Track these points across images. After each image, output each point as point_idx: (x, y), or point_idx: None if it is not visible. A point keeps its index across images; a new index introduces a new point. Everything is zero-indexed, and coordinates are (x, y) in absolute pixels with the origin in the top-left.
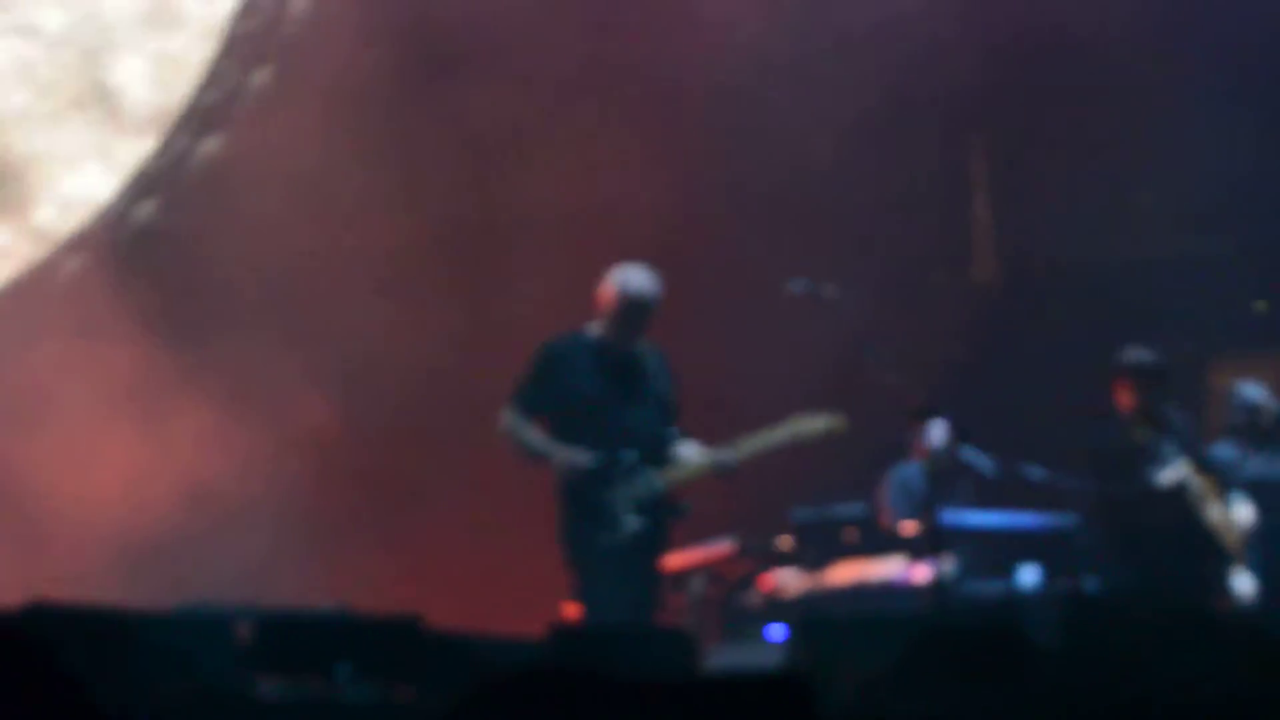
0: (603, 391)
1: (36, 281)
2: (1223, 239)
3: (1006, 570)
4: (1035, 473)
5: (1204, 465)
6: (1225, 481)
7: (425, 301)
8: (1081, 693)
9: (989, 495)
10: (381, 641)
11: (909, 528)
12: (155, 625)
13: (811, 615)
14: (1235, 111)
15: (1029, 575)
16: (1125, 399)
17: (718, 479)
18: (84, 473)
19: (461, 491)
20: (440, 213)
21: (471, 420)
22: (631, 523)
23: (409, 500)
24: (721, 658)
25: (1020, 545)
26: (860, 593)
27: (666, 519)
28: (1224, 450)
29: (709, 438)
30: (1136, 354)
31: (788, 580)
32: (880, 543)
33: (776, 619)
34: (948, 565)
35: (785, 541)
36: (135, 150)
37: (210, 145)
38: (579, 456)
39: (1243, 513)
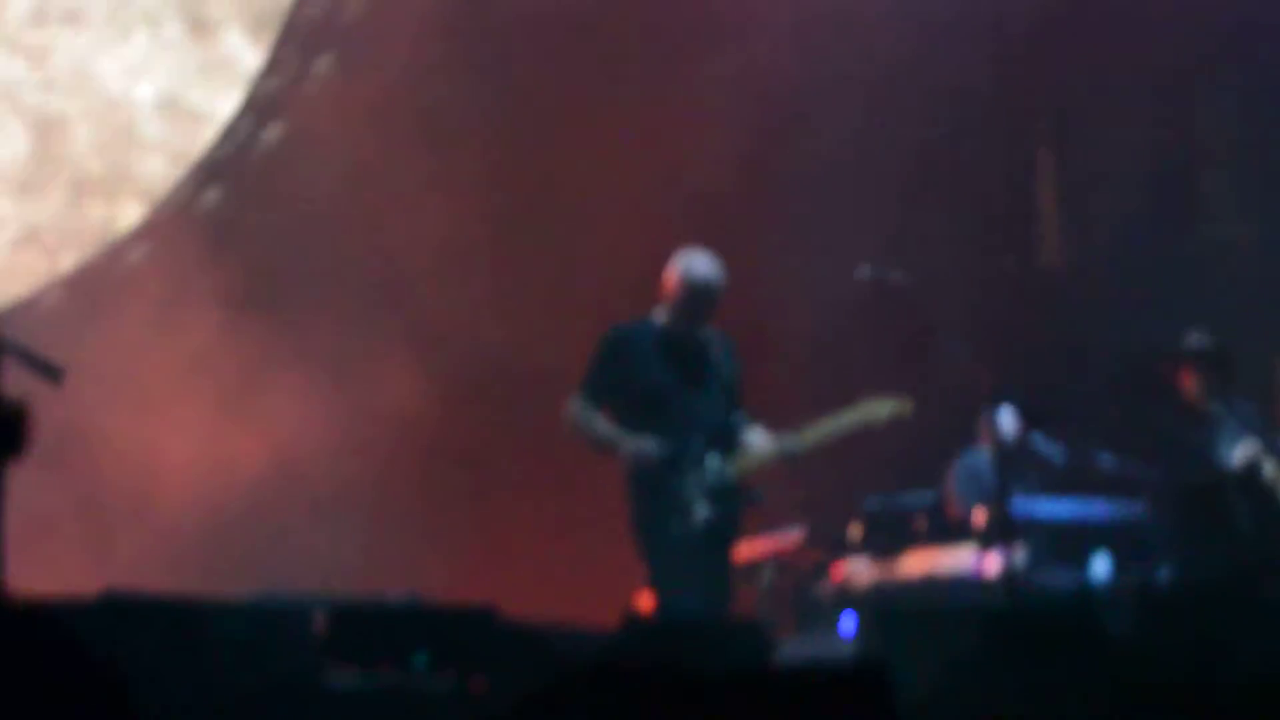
0: (668, 378)
1: (103, 269)
2: None
3: (1078, 560)
4: (1105, 460)
5: (1273, 450)
6: None
7: (502, 283)
8: (1154, 683)
9: (1058, 483)
10: (457, 632)
11: (980, 517)
12: (230, 616)
13: (883, 607)
14: None
15: (1101, 565)
16: (1189, 384)
17: (785, 466)
18: (163, 453)
19: (538, 478)
20: (503, 194)
21: (547, 406)
22: (702, 510)
23: (486, 485)
24: (794, 651)
25: (1091, 534)
26: (931, 584)
27: (738, 506)
28: None
29: (775, 424)
30: (1199, 339)
31: (858, 570)
32: (951, 531)
33: (848, 610)
34: (1018, 555)
35: (855, 530)
36: None
37: (273, 132)
38: (647, 444)
39: None
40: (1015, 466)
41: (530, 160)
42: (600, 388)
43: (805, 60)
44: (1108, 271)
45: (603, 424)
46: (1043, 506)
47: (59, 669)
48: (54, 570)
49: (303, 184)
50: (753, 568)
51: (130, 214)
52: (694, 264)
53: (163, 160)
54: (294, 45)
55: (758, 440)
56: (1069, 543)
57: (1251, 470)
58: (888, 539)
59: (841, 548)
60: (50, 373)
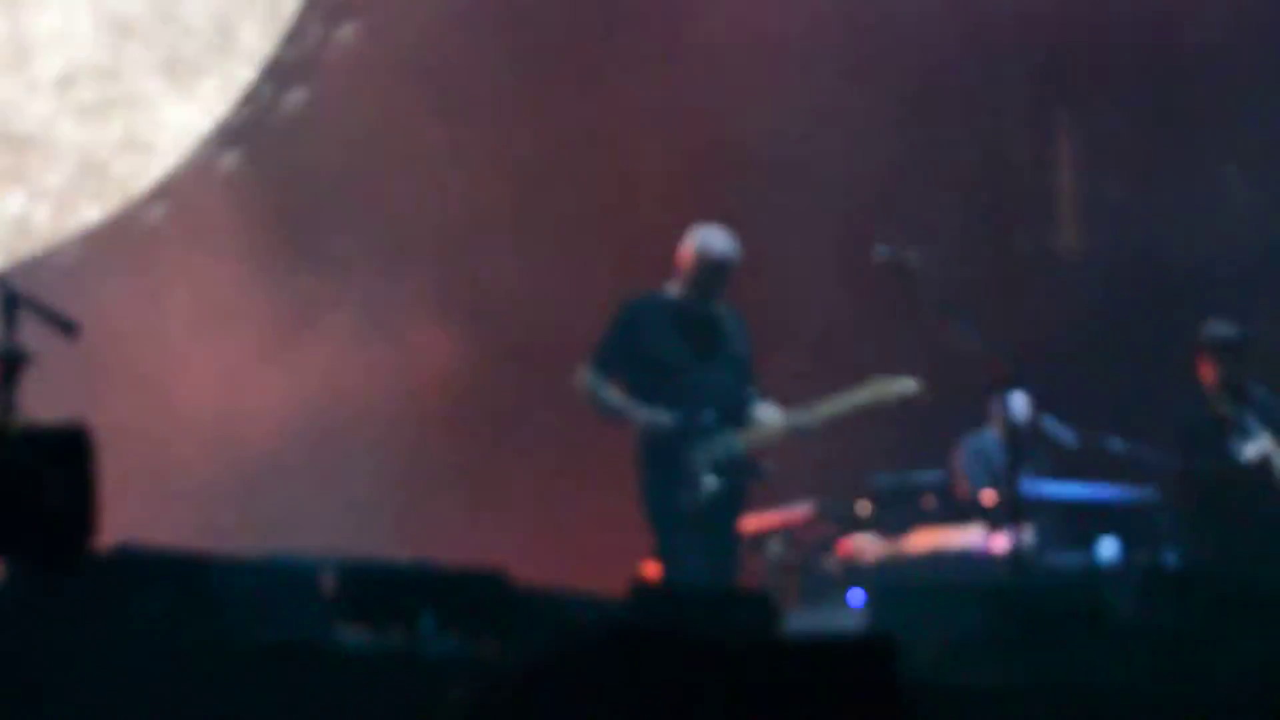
0: (681, 351)
1: (121, 228)
2: None
3: (1085, 542)
4: (1116, 445)
5: None
6: None
7: (529, 246)
8: (1159, 665)
9: (1068, 466)
10: (465, 594)
11: (989, 496)
12: (240, 573)
13: (890, 582)
14: None
15: (1108, 548)
16: (1208, 373)
17: (796, 441)
18: (181, 404)
19: (552, 443)
20: (529, 159)
21: (564, 371)
22: (711, 483)
23: (500, 450)
24: (800, 622)
25: (1099, 518)
26: (938, 560)
27: (746, 480)
28: None
29: (788, 401)
30: (1220, 328)
31: (866, 546)
32: (959, 511)
33: (854, 584)
34: (1027, 535)
35: (864, 506)
36: None
37: (295, 97)
38: (659, 416)
39: None
40: (1024, 448)
41: (555, 126)
42: (612, 358)
43: (824, 42)
44: (1123, 256)
45: (614, 394)
46: (1051, 488)
47: None
48: None
49: (323, 148)
50: (761, 540)
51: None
52: (710, 239)
53: None
54: (316, 11)
55: (768, 415)
56: (1077, 525)
57: (1262, 466)
58: (896, 517)
59: (850, 523)
60: (66, 327)
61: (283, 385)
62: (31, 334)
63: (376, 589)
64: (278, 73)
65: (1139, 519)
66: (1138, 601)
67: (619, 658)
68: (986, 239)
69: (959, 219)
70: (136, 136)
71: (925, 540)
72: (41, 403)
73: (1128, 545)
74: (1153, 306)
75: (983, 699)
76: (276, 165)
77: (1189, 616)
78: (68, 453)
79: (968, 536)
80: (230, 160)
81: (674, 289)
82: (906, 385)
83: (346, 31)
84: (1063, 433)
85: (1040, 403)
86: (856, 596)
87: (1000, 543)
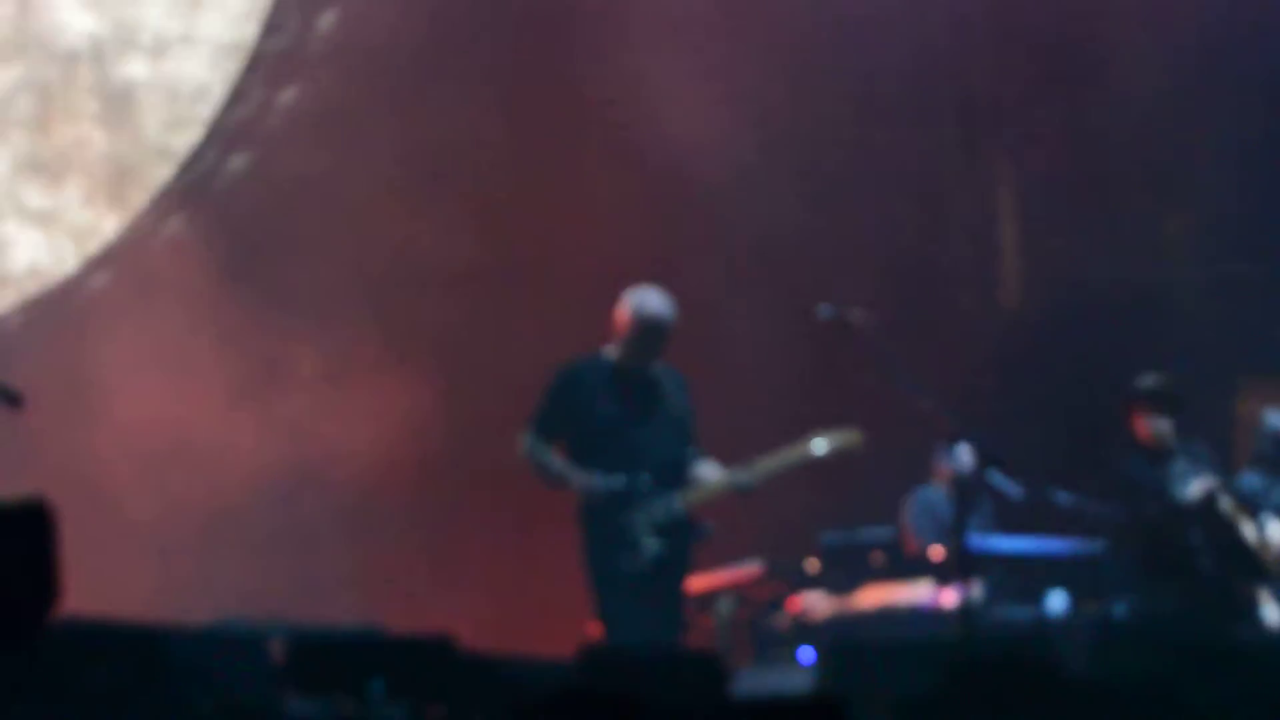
0: (619, 414)
1: (62, 296)
2: (1251, 263)
3: (1034, 596)
4: (1062, 497)
5: (1230, 492)
6: (1254, 508)
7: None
8: (1109, 718)
9: (1015, 520)
10: (413, 661)
11: (937, 552)
12: (188, 642)
13: (840, 640)
14: (1266, 135)
15: (1057, 601)
16: (1142, 427)
17: (740, 499)
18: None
19: (498, 508)
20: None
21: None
22: (652, 545)
23: (443, 513)
24: (750, 681)
25: (1048, 571)
26: (888, 617)
27: (687, 541)
28: (1251, 479)
29: (731, 460)
30: (1151, 380)
31: (815, 603)
32: (908, 567)
33: (804, 642)
34: (976, 590)
35: (813, 564)
36: None
37: (238, 161)
38: (596, 480)
39: (1275, 533)
40: (968, 502)
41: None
42: (551, 423)
43: (774, 88)
44: (1065, 312)
45: (554, 459)
46: (999, 542)
47: None
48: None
49: (269, 210)
50: (710, 599)
51: None
52: (646, 300)
53: None
54: (259, 75)
55: (708, 474)
56: (1026, 578)
57: (1209, 504)
58: (845, 574)
59: (799, 581)
60: (9, 398)
61: (234, 443)
62: None
63: (325, 657)
64: (221, 137)
65: (1087, 571)
66: (1088, 654)
67: None
68: (928, 294)
69: (900, 274)
70: None
71: (875, 597)
72: None
73: (1077, 598)
74: (1094, 357)
75: None
76: (221, 229)
77: (1140, 668)
78: (26, 530)
79: (917, 592)
80: (174, 225)
81: (611, 351)
82: (848, 438)
83: (289, 94)
84: (1009, 486)
85: (985, 457)
86: (807, 654)
87: (949, 598)
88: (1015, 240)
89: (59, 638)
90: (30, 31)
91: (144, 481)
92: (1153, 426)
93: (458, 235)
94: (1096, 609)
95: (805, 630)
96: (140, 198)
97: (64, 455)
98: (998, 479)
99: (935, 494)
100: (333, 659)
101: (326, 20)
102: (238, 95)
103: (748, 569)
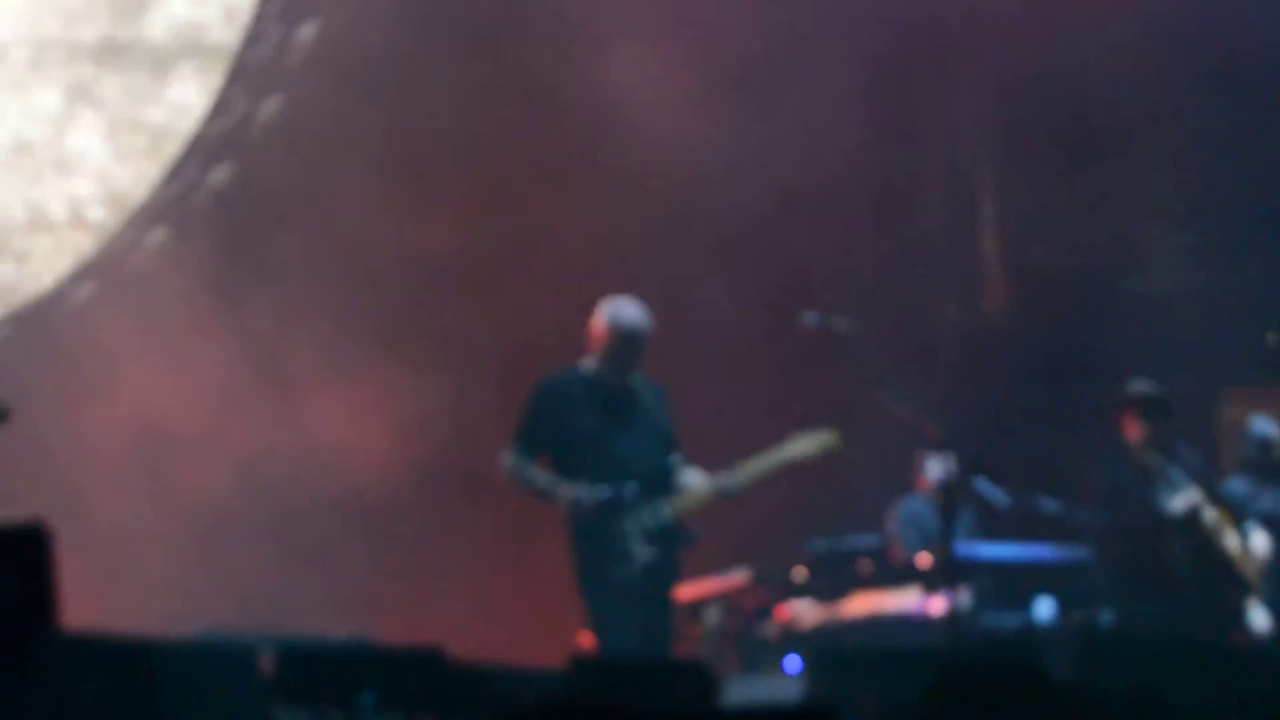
0: (600, 425)
1: (47, 309)
2: (1236, 271)
3: (1021, 603)
4: (1048, 505)
5: (1216, 497)
6: (1239, 514)
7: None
8: None
9: (1001, 528)
10: (403, 672)
11: (925, 560)
12: (177, 655)
13: (828, 648)
14: (1248, 144)
15: (1044, 608)
16: (1132, 431)
17: (725, 507)
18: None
19: (488, 519)
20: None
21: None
22: (642, 553)
23: (437, 524)
24: (739, 690)
25: (1035, 578)
26: (876, 624)
27: (676, 548)
28: (1237, 485)
29: (714, 468)
30: (1140, 386)
31: (803, 611)
32: (895, 574)
33: (792, 650)
34: (963, 598)
35: (800, 572)
36: None
37: (270, 105)
38: (583, 491)
39: (1260, 543)
40: (951, 510)
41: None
42: (533, 438)
43: (753, 95)
44: (1049, 319)
45: (538, 473)
46: (986, 550)
47: None
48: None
49: (253, 220)
50: (698, 608)
51: None
52: (621, 311)
53: None
54: (242, 86)
55: (693, 480)
56: (1013, 586)
57: (1192, 517)
58: (833, 582)
59: (787, 590)
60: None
61: (220, 449)
62: None
63: (315, 669)
64: (203, 149)
65: (1074, 578)
66: (1075, 661)
67: None
68: (914, 303)
69: (886, 284)
70: None
71: (862, 605)
72: None
73: (1064, 605)
74: (1078, 365)
75: None
76: (205, 240)
77: (1127, 675)
78: (24, 553)
79: (904, 600)
80: (158, 236)
81: (588, 364)
82: (827, 439)
83: (272, 104)
84: (995, 494)
85: (971, 465)
86: (794, 663)
87: (937, 606)
88: (997, 247)
89: (48, 652)
90: None
91: (131, 488)
92: (1141, 432)
93: (444, 237)
94: (1083, 616)
95: (793, 639)
96: None
97: (51, 467)
98: (983, 486)
99: (918, 504)
100: (322, 671)
101: (308, 31)
102: (220, 107)
103: (735, 578)
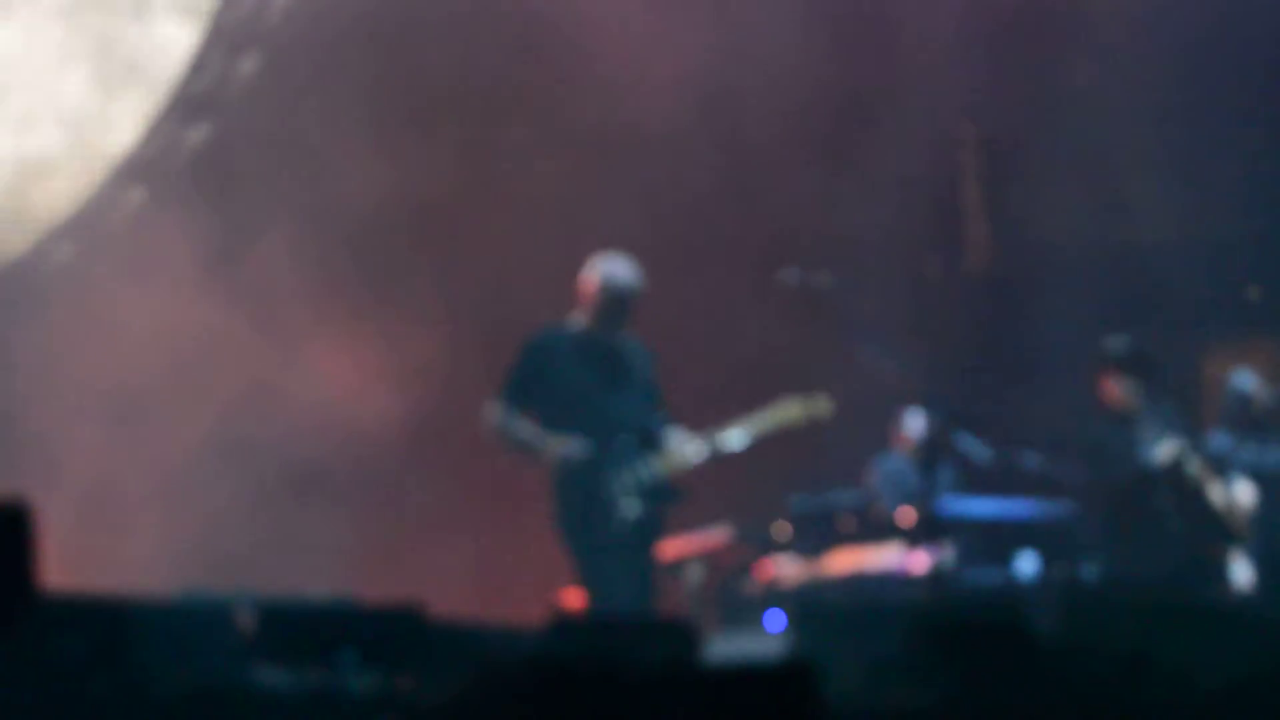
0: (590, 381)
1: (28, 266)
2: (1218, 226)
3: (1004, 559)
4: (1030, 460)
5: (1198, 450)
6: (1221, 468)
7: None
8: (1080, 680)
9: (984, 483)
10: (384, 630)
11: (906, 516)
12: (155, 614)
13: (810, 604)
14: (1230, 99)
15: (1027, 563)
16: (1112, 387)
17: (710, 465)
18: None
19: (470, 479)
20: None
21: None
22: (632, 507)
23: (417, 481)
24: (721, 647)
25: (1017, 533)
26: (858, 581)
27: (662, 505)
28: (1218, 439)
29: (700, 426)
30: (1121, 342)
31: (785, 568)
32: (877, 531)
33: (774, 607)
34: (945, 553)
35: (782, 529)
36: None
37: (247, 65)
38: (573, 445)
39: (1244, 493)
40: (935, 466)
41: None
42: (521, 393)
43: (728, 56)
44: (1032, 275)
45: (526, 427)
46: (968, 505)
47: None
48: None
49: (231, 178)
50: (680, 565)
51: None
52: (612, 269)
53: None
54: (217, 46)
55: (680, 440)
56: (995, 541)
57: (1176, 467)
58: (815, 538)
59: (769, 546)
60: None
61: (201, 407)
62: None
63: (294, 627)
64: (181, 108)
65: (1056, 533)
66: (1058, 616)
67: (537, 688)
68: (896, 258)
69: (867, 239)
70: None
71: (844, 561)
72: None
73: (1046, 560)
74: (1061, 320)
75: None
76: (185, 198)
77: (1110, 630)
78: (5, 530)
79: (886, 556)
80: (137, 195)
81: (578, 320)
82: (818, 405)
83: (250, 62)
84: (977, 449)
85: (952, 420)
86: (776, 619)
87: (919, 562)
88: (980, 203)
89: (26, 611)
90: None
91: (111, 447)
92: (1123, 388)
93: (431, 186)
94: (1066, 571)
95: (775, 595)
96: None
97: (30, 427)
98: (966, 442)
99: (898, 461)
100: (302, 629)
101: None
102: (197, 66)
103: (717, 535)
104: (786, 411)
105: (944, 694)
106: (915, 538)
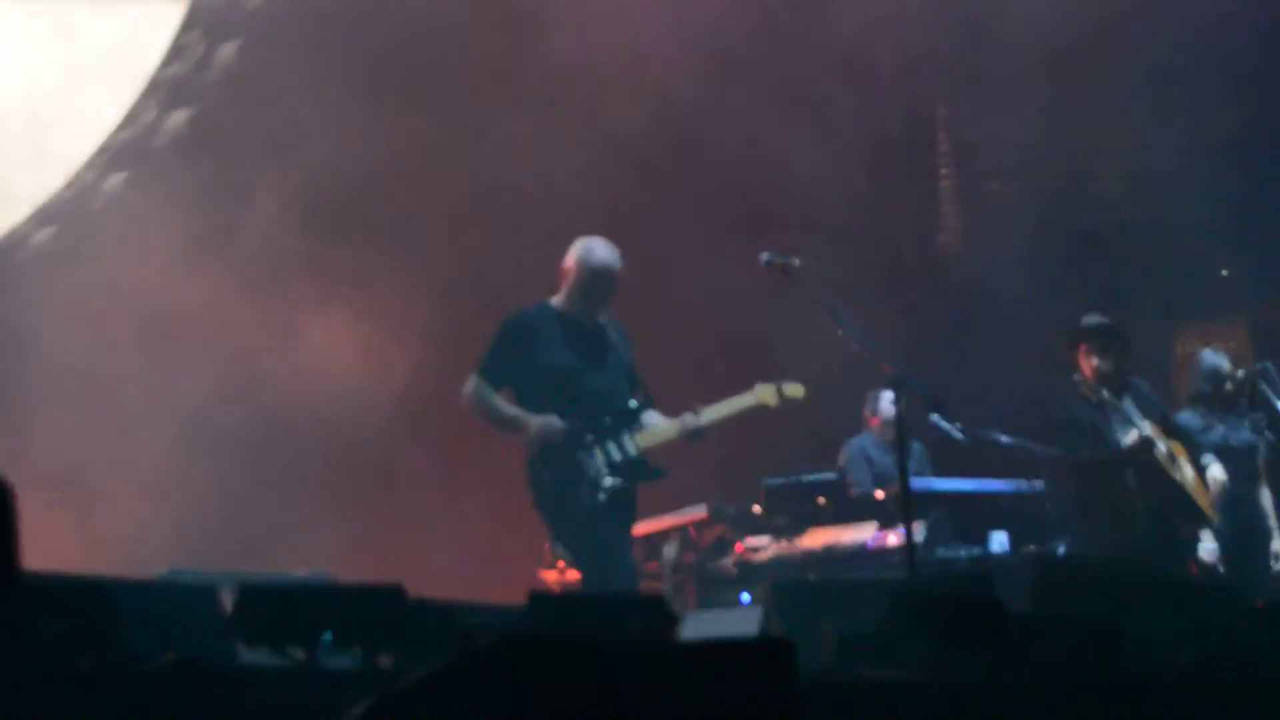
0: (570, 360)
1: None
2: (1187, 206)
3: (976, 535)
4: (1002, 439)
5: (1169, 428)
6: (1192, 445)
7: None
8: (1050, 654)
9: (957, 462)
10: (364, 609)
11: (880, 495)
12: (138, 594)
13: (784, 580)
14: (1194, 80)
15: (999, 540)
16: (1086, 365)
17: (686, 445)
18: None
19: (447, 462)
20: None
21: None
22: (613, 482)
23: (395, 469)
24: (697, 623)
25: (989, 511)
26: (832, 557)
27: (638, 482)
28: (1188, 417)
29: (677, 407)
30: (1094, 319)
31: (760, 545)
32: (852, 510)
33: (749, 583)
34: (919, 531)
35: (758, 508)
36: None
37: (226, 51)
38: (553, 421)
39: (1215, 473)
40: (907, 446)
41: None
42: (500, 369)
43: (708, 46)
44: (1005, 255)
45: (505, 404)
46: (941, 483)
47: None
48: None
49: (210, 164)
50: (656, 542)
51: None
52: (593, 249)
53: None
54: (199, 31)
55: (658, 420)
56: (968, 519)
57: (1144, 449)
58: (790, 517)
59: (744, 525)
60: None
61: (182, 394)
62: None
63: (275, 606)
64: (159, 94)
65: (1028, 511)
66: (1029, 592)
67: (514, 664)
68: (869, 240)
69: (840, 221)
70: None
71: (818, 539)
72: None
73: (1017, 537)
74: (1034, 300)
75: (878, 694)
76: (163, 184)
77: (1079, 605)
78: None
79: (860, 534)
80: (115, 182)
81: (558, 300)
82: (793, 389)
83: (227, 51)
84: (950, 429)
85: (926, 400)
86: (749, 598)
87: (892, 539)
88: (953, 187)
89: (9, 592)
90: None
91: (90, 430)
92: (1097, 365)
93: (414, 164)
94: (1037, 548)
95: (750, 572)
96: None
97: (11, 408)
98: (939, 421)
99: (867, 441)
100: (282, 608)
101: None
102: (175, 51)
103: (693, 513)
104: (763, 394)
105: (918, 667)
106: (887, 517)
